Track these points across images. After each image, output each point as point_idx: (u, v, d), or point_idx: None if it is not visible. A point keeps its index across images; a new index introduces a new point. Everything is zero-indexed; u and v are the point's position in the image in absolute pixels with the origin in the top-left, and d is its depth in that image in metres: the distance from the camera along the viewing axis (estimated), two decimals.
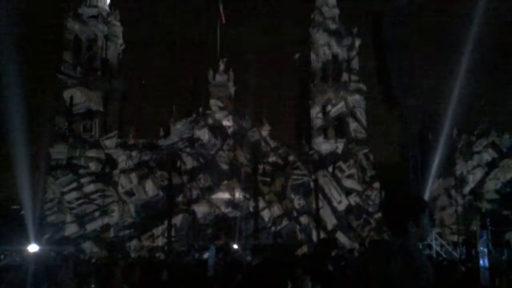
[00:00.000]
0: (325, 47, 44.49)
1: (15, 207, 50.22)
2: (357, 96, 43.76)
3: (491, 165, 42.76)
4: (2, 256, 29.45)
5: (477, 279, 11.06)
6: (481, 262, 11.23)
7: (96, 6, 43.16)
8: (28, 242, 35.29)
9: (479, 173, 42.61)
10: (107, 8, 44.04)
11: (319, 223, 40.58)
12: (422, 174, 39.71)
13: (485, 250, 11.57)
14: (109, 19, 42.76)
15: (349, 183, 41.83)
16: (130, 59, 45.74)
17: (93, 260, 23.85)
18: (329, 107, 43.33)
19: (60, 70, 40.74)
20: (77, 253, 32.72)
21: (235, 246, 32.21)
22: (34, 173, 37.16)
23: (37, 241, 36.08)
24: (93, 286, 9.59)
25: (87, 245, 37.03)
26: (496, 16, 41.86)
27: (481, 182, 42.30)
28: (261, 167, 40.99)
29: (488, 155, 42.96)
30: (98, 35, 42.16)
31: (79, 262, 18.57)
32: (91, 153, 39.60)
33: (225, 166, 40.55)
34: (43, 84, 44.58)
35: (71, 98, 40.44)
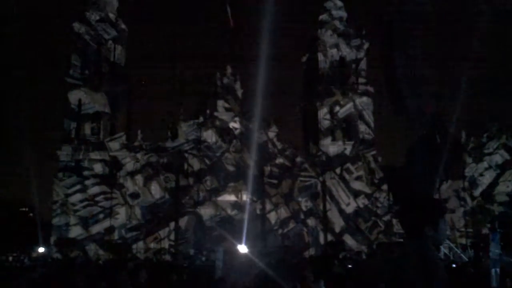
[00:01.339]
0: (333, 48, 44.27)
1: (24, 209, 50.52)
2: (365, 98, 43.46)
3: (503, 167, 42.25)
4: (11, 258, 29.55)
5: (486, 282, 10.97)
6: (492, 264, 11.12)
7: (104, 10, 43.34)
8: (36, 244, 35.48)
9: (489, 175, 42.15)
10: (115, 12, 44.22)
11: (327, 225, 40.41)
12: (430, 176, 39.41)
13: (497, 252, 11.46)
14: (117, 22, 42.95)
15: (357, 185, 41.57)
16: (138, 62, 45.95)
17: (101, 262, 23.89)
18: (336, 109, 43.11)
19: (68, 73, 41.00)
20: (84, 256, 32.85)
21: (242, 249, 32.04)
22: (42, 176, 37.40)
23: (45, 243, 36.32)
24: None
25: (92, 247, 37.11)
26: (503, 17, 41.56)
27: (492, 184, 41.84)
28: (268, 169, 40.86)
29: (499, 157, 42.44)
30: (105, 38, 42.35)
31: (88, 264, 18.62)
32: (96, 155, 39.70)
33: (231, 168, 40.50)
34: (51, 87, 44.91)
35: (79, 100, 40.66)
